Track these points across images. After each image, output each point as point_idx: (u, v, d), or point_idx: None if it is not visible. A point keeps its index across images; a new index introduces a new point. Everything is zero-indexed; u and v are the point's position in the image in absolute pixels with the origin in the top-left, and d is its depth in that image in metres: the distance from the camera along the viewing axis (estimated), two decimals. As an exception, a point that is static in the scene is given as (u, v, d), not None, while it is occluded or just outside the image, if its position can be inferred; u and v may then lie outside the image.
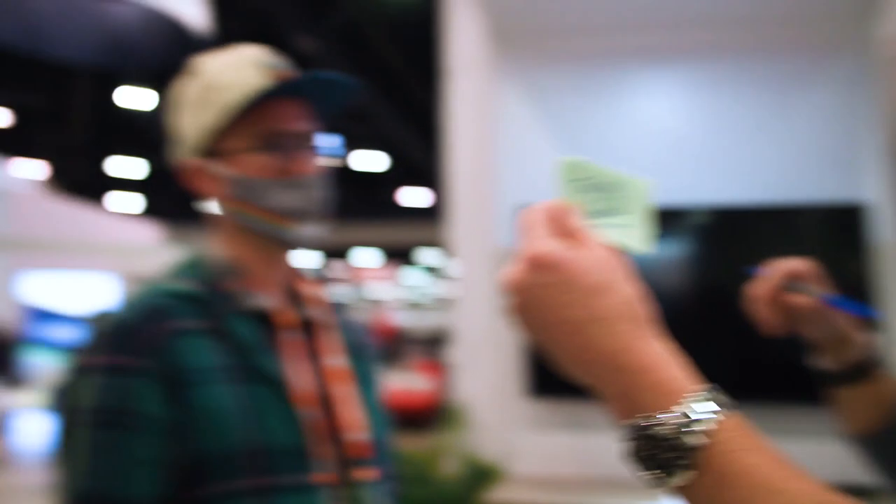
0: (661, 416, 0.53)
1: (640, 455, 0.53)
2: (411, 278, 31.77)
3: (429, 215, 20.47)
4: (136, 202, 22.02)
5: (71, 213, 14.96)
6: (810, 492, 0.49)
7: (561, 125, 3.46)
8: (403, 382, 15.03)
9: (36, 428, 10.98)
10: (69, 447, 1.00)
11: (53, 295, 11.03)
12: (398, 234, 22.97)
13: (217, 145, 1.12)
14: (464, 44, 3.66)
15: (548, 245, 0.59)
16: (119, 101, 13.92)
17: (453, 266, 3.44)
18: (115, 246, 12.51)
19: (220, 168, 1.12)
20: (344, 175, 19.22)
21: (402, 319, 31.75)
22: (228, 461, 1.00)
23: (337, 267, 30.43)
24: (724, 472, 0.51)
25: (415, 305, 41.04)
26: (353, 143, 16.21)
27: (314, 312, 1.18)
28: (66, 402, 1.02)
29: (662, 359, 0.56)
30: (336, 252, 25.80)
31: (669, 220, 3.34)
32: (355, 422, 1.12)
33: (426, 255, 27.57)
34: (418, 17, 10.68)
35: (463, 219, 3.45)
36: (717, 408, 0.53)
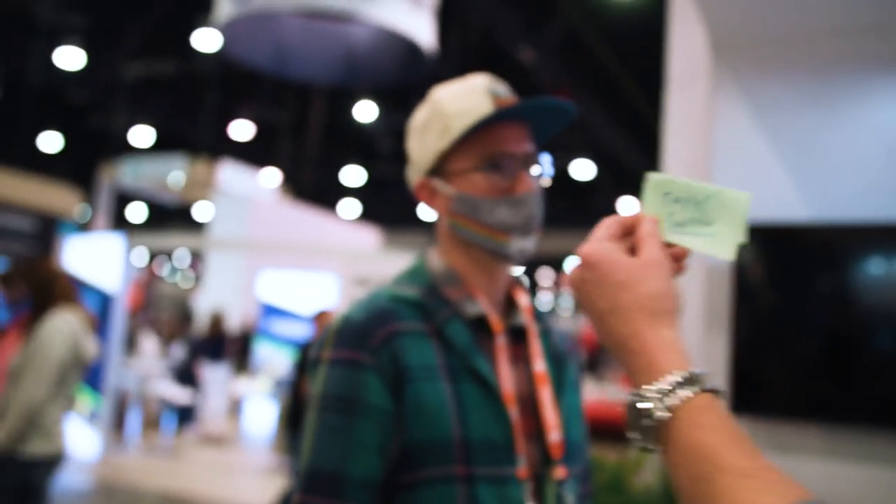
0: (643, 391, 0.62)
1: (630, 425, 0.62)
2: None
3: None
4: (359, 208, 23.39)
5: (301, 218, 16.10)
6: (754, 469, 0.54)
7: (783, 136, 3.24)
8: (606, 394, 14.79)
9: (263, 412, 11.92)
10: (307, 426, 1.14)
11: (282, 293, 11.92)
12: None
13: (445, 166, 1.24)
14: (685, 54, 3.53)
15: (595, 246, 0.69)
16: (351, 115, 14.84)
17: None
18: (339, 249, 13.28)
19: (446, 186, 1.23)
20: (559, 184, 19.20)
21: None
22: (437, 451, 1.10)
23: (549, 276, 30.50)
24: (679, 445, 0.58)
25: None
26: (568, 152, 16.15)
27: (525, 320, 1.27)
28: (314, 383, 1.16)
29: (664, 344, 0.64)
30: (548, 261, 25.86)
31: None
32: (552, 424, 1.20)
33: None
34: (639, 26, 10.43)
35: None
36: (692, 388, 0.60)
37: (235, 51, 7.68)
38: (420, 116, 1.29)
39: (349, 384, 1.11)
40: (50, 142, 17.04)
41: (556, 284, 31.54)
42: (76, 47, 12.07)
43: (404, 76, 8.42)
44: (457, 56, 11.86)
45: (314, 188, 19.29)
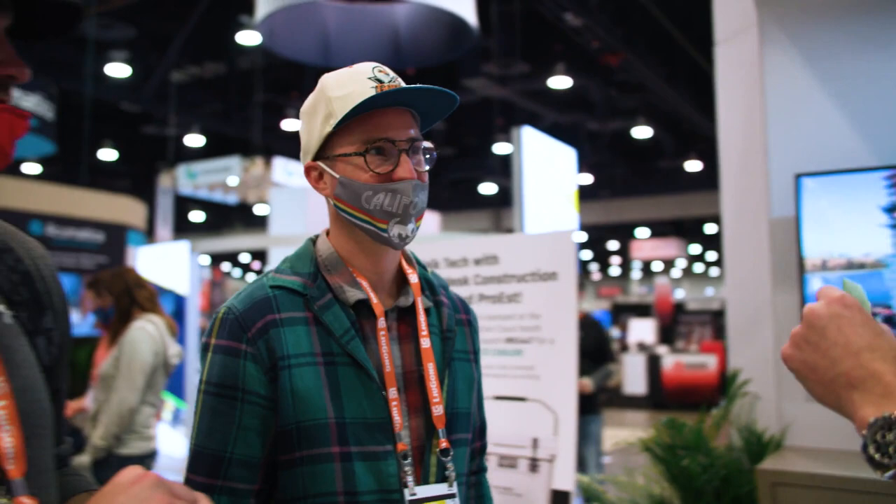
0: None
1: (879, 442, 0.74)
2: (691, 252, 30.38)
3: (709, 186, 19.37)
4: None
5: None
6: None
7: (837, 82, 3.12)
8: (686, 360, 14.38)
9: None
10: (195, 409, 1.23)
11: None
12: (677, 206, 21.90)
13: (330, 150, 1.28)
14: (730, 4, 3.46)
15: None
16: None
17: (728, 236, 3.39)
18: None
19: (331, 170, 1.28)
20: (619, 150, 18.69)
21: (683, 295, 30.41)
22: (313, 433, 1.19)
23: (616, 244, 29.86)
24: None
25: (695, 280, 39.27)
26: (627, 117, 15.66)
27: (413, 298, 1.32)
28: (200, 369, 1.26)
29: None
30: (616, 228, 25.30)
31: None
32: (435, 398, 1.28)
33: (706, 227, 26.15)
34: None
35: (736, 188, 3.37)
36: None
37: (278, 45, 7.55)
38: (308, 100, 1.33)
39: (230, 371, 1.20)
40: (108, 154, 17.32)
41: (623, 251, 30.95)
42: (125, 58, 12.15)
43: (450, 53, 8.18)
44: (501, 27, 11.52)
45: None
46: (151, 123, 16.52)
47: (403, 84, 1.28)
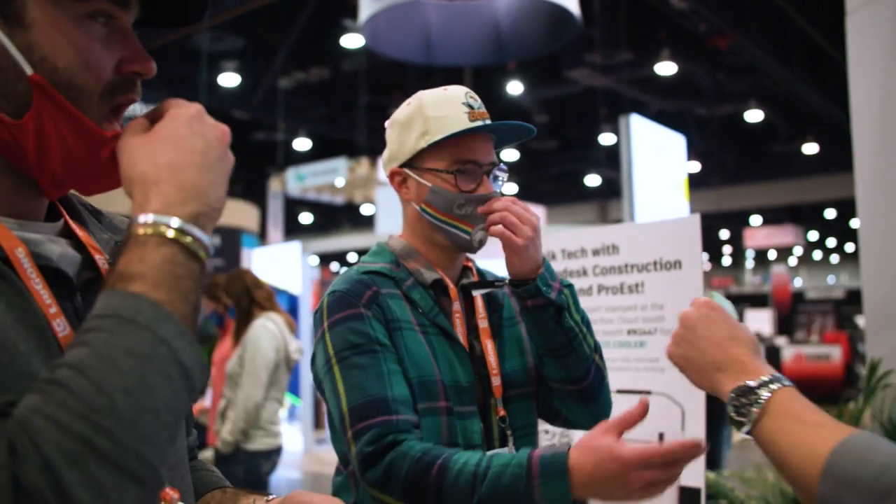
0: (750, 383, 0.98)
1: (736, 406, 0.98)
2: (809, 238, 29.03)
3: (828, 169, 18.43)
4: (514, 187, 23.13)
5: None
6: (837, 426, 0.91)
7: None
8: (807, 352, 13.73)
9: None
10: (328, 389, 1.35)
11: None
12: (793, 191, 20.96)
13: (419, 162, 1.46)
14: None
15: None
16: (502, 92, 14.62)
17: (863, 221, 3.20)
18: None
19: (420, 178, 1.45)
20: (732, 137, 18.04)
21: (802, 284, 29.10)
22: (427, 387, 1.35)
23: (727, 232, 28.89)
24: (779, 412, 0.94)
25: (814, 268, 37.53)
26: (739, 101, 15.11)
27: (472, 286, 1.52)
28: (320, 356, 1.39)
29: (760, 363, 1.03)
30: (728, 216, 24.45)
31: None
32: (494, 370, 1.47)
33: (826, 213, 24.93)
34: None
35: (872, 169, 3.15)
36: (780, 382, 0.97)
37: (381, 46, 7.64)
38: (403, 113, 1.48)
39: (359, 331, 1.34)
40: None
41: (735, 240, 29.92)
42: (235, 68, 12.61)
43: (552, 45, 8.08)
44: (604, 15, 11.30)
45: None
46: (261, 130, 17.08)
47: (486, 113, 1.49)
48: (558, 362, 1.46)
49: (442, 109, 1.43)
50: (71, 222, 0.88)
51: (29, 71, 0.74)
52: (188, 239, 0.69)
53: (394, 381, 1.31)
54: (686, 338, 1.08)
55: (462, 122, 1.42)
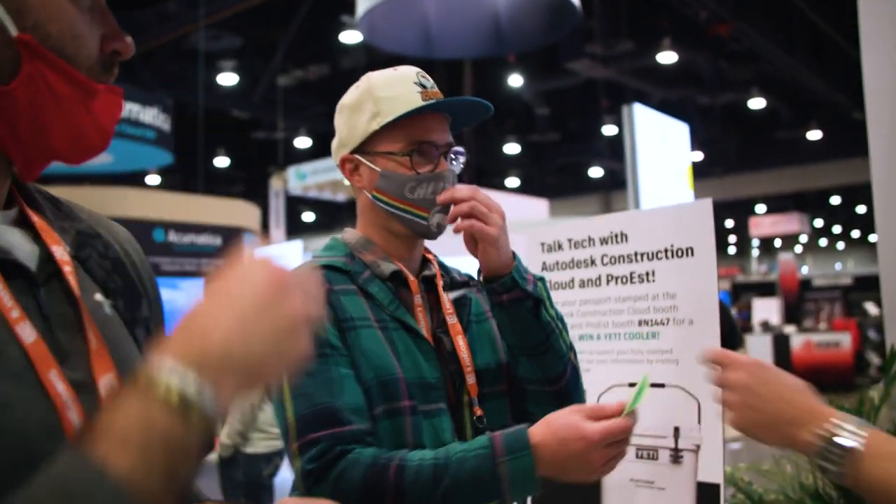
0: (834, 430, 0.99)
1: (825, 454, 0.98)
2: (816, 226, 28.91)
3: (833, 156, 18.31)
4: (517, 181, 23.06)
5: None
6: None
7: None
8: (816, 339, 13.64)
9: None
10: (279, 390, 1.26)
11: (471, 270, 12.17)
12: (797, 179, 20.85)
13: (371, 146, 1.37)
14: None
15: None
16: (503, 85, 14.54)
17: (880, 204, 3.10)
18: (518, 221, 13.11)
19: (372, 164, 1.37)
20: (734, 124, 17.94)
21: (809, 272, 28.98)
22: (387, 387, 1.27)
23: (731, 221, 28.80)
24: (877, 455, 0.95)
25: (821, 255, 37.44)
26: (741, 89, 15.01)
27: (434, 270, 1.45)
28: None
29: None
30: (732, 205, 24.34)
31: None
32: (468, 368, 1.39)
33: (831, 199, 24.80)
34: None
35: (888, 151, 3.08)
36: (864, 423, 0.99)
37: (379, 40, 7.56)
38: (352, 96, 1.41)
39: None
40: (222, 160, 17.97)
41: (740, 229, 29.80)
42: (233, 67, 12.54)
43: (552, 36, 8.00)
44: (604, 5, 11.21)
45: (474, 165, 19.17)
46: (261, 129, 17.03)
47: (439, 93, 1.42)
48: (535, 361, 1.40)
49: (393, 89, 1.36)
50: (27, 209, 0.81)
51: (15, 32, 0.69)
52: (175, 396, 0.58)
53: (345, 388, 1.24)
54: (748, 403, 1.08)
55: (415, 101, 1.34)
